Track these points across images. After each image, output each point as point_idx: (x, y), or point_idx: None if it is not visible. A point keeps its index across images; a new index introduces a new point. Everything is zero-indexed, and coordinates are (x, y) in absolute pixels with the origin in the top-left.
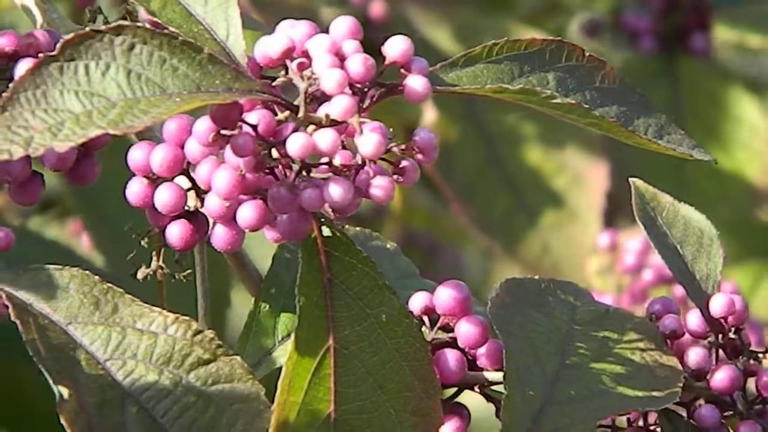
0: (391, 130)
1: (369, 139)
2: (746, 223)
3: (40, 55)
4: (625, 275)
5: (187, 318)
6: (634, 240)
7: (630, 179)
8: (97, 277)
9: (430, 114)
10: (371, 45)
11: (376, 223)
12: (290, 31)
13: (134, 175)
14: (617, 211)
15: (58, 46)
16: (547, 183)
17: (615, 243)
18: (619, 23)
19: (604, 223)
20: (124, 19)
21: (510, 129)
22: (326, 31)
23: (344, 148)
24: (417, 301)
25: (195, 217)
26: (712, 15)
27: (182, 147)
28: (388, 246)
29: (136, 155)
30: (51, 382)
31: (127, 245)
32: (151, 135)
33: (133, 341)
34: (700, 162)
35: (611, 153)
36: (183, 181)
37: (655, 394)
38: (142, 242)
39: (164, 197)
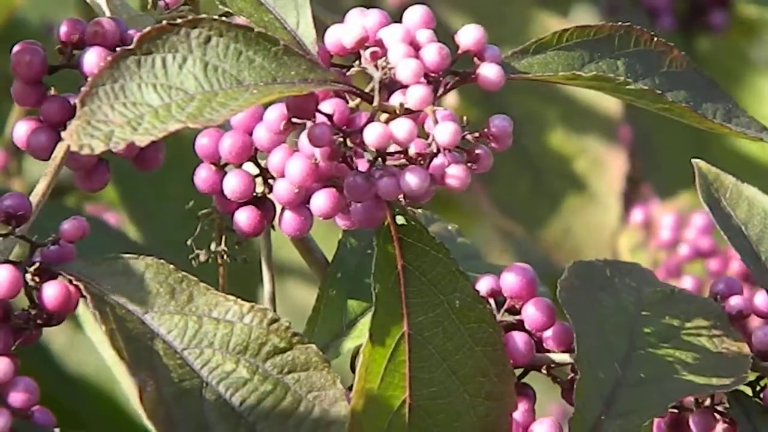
0: (464, 118)
1: (446, 128)
2: None
3: (118, 49)
4: (660, 250)
5: (262, 307)
6: (668, 215)
7: (693, 161)
8: (171, 266)
9: (450, 98)
10: None
11: None
12: (362, 20)
13: (201, 161)
14: (635, 190)
15: (135, 39)
16: (567, 166)
17: (648, 218)
18: (637, 0)
19: (623, 203)
20: (186, 5)
21: (530, 113)
22: (399, 20)
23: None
24: (483, 284)
25: (262, 203)
26: None
27: (250, 134)
28: (450, 227)
29: (204, 142)
30: (129, 372)
31: (161, 229)
32: None
33: (210, 330)
34: (723, 144)
35: (634, 131)
36: (250, 167)
37: (723, 376)
38: (204, 225)
39: (233, 184)
